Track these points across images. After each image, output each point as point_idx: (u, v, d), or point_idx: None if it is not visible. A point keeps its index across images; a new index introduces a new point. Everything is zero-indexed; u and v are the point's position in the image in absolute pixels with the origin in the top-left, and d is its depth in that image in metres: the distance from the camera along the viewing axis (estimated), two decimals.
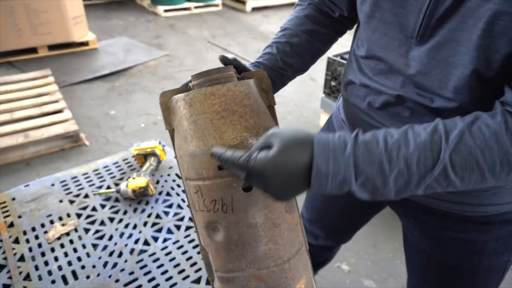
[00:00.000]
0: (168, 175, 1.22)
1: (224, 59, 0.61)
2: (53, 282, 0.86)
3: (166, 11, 5.18)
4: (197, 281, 0.88)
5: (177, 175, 1.22)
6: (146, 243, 0.98)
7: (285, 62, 0.71)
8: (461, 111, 0.51)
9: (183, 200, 1.12)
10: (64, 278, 0.87)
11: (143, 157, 1.22)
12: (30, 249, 0.94)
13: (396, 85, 0.60)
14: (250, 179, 0.47)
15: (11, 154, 2.04)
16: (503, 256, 0.70)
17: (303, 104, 3.08)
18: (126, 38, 4.21)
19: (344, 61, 2.11)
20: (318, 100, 2.97)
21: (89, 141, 2.30)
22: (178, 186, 1.17)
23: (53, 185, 1.16)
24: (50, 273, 0.88)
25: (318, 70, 3.60)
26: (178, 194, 1.14)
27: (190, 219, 1.05)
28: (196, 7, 5.40)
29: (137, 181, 1.09)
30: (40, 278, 0.87)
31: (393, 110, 0.61)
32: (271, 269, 0.55)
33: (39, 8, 3.25)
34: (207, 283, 0.87)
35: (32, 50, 3.45)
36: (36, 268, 0.89)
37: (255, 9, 5.57)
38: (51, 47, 3.52)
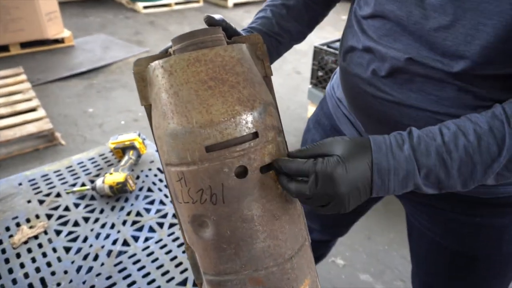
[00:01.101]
0: (149, 169, 1.12)
1: (210, 20, 0.52)
2: None
3: (145, 7, 5.04)
4: (183, 283, 0.79)
5: (159, 169, 1.12)
6: (125, 243, 0.88)
7: (282, 27, 0.63)
8: (487, 81, 0.45)
9: (166, 196, 1.02)
10: (31, 287, 0.77)
11: (121, 151, 1.12)
12: None
13: (407, 47, 0.52)
14: (316, 185, 0.43)
15: None
16: None
17: (289, 97, 3.01)
18: (104, 35, 4.06)
19: (331, 50, 2.05)
20: (304, 93, 2.91)
21: (66, 140, 2.18)
22: (160, 181, 1.08)
23: (20, 184, 1.05)
24: (14, 281, 0.78)
25: (303, 63, 3.55)
26: (160, 190, 1.05)
27: (174, 215, 0.96)
28: (176, 3, 5.28)
29: (114, 177, 0.99)
30: (2, 287, 0.76)
31: (403, 77, 0.54)
32: (271, 270, 0.47)
33: (10, 4, 3.08)
34: (194, 285, 0.79)
35: (4, 48, 3.28)
36: None
37: (237, 5, 5.48)
38: (24, 45, 3.36)
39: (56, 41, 3.58)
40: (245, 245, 0.46)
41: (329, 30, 4.49)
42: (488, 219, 0.61)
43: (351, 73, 0.63)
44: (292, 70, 3.41)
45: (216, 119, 0.43)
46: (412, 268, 0.86)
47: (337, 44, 2.20)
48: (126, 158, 1.08)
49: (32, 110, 2.22)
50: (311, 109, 2.42)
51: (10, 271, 0.80)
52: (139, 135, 1.14)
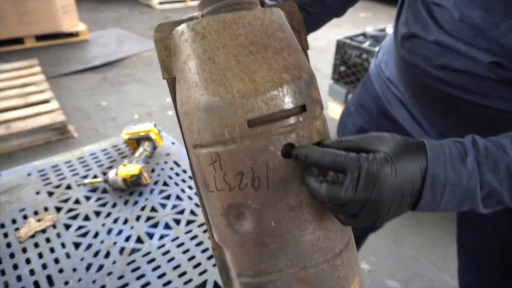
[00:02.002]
0: (165, 162, 1.05)
1: None
2: None
3: (160, 3, 5.01)
4: (202, 286, 0.72)
5: (175, 162, 1.05)
6: (139, 240, 0.81)
7: None
8: None
9: (183, 191, 0.95)
10: (36, 285, 0.70)
11: (136, 142, 1.05)
12: None
13: (490, 49, 0.45)
14: (357, 186, 0.36)
15: None
16: None
17: None
18: (119, 29, 4.03)
19: (355, 43, 1.95)
20: (323, 91, 2.81)
21: (78, 133, 2.13)
22: (177, 175, 1.01)
23: (29, 174, 0.99)
24: (19, 278, 0.71)
25: (321, 59, 3.45)
26: (177, 184, 0.97)
27: (192, 212, 0.89)
28: None
29: (128, 169, 0.92)
30: (6, 284, 0.70)
31: (481, 78, 0.47)
32: (320, 267, 0.41)
33: None
34: (215, 286, 0.71)
35: (19, 41, 3.26)
36: (2, 273, 0.72)
37: None
38: (39, 38, 3.34)
39: (71, 34, 3.56)
40: (292, 237, 0.39)
41: (347, 28, 4.38)
42: None
43: (411, 63, 0.55)
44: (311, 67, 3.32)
45: (261, 87, 0.37)
46: (460, 267, 0.78)
47: (361, 38, 2.10)
48: (140, 149, 1.01)
49: (45, 102, 2.18)
50: (332, 107, 2.32)
51: (15, 267, 0.74)
52: (155, 125, 1.07)
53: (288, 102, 0.38)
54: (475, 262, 0.72)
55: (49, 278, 0.72)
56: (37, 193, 0.92)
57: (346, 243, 0.44)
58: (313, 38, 3.93)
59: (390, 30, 2.36)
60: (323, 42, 3.86)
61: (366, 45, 2.02)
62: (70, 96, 2.59)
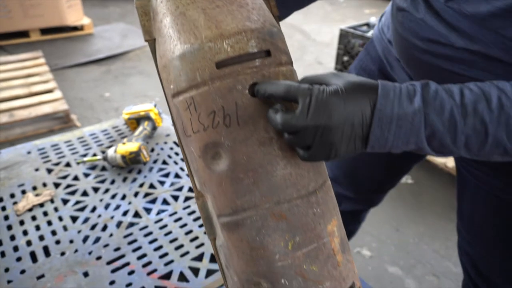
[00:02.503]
0: (165, 143, 1.05)
1: None
2: (18, 259, 0.69)
3: None
4: (199, 258, 0.71)
5: (175, 142, 1.05)
6: (136, 215, 0.81)
7: None
8: None
9: (182, 169, 0.95)
10: (33, 255, 0.70)
11: (136, 121, 1.05)
12: None
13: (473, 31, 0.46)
14: (308, 113, 0.37)
15: None
16: None
17: None
18: (123, 24, 4.04)
19: (359, 33, 1.94)
20: None
21: (81, 122, 2.13)
22: (177, 154, 1.00)
23: (29, 152, 0.99)
24: (16, 249, 0.71)
25: (325, 53, 3.43)
26: (176, 163, 0.97)
27: (191, 189, 0.88)
28: None
29: (127, 146, 0.92)
30: (3, 254, 0.70)
31: (465, 54, 0.48)
32: (294, 202, 0.42)
33: None
34: (211, 261, 0.70)
35: (24, 34, 3.28)
36: None
37: None
38: (44, 31, 3.35)
39: (75, 28, 3.57)
40: (265, 172, 0.41)
41: (351, 24, 4.36)
42: None
43: (402, 35, 0.56)
44: (314, 61, 3.30)
45: (226, 33, 0.40)
46: (459, 239, 0.77)
47: (364, 28, 2.09)
48: (140, 128, 1.01)
49: (49, 91, 2.19)
50: None
51: (12, 238, 0.74)
52: (155, 106, 1.07)
53: (252, 46, 0.41)
54: (472, 230, 0.72)
55: (46, 249, 0.72)
56: (36, 170, 0.93)
57: (320, 184, 0.45)
58: (317, 33, 3.92)
59: None
60: (327, 36, 3.85)
61: (369, 34, 2.00)
62: (73, 87, 2.60)
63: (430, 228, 1.53)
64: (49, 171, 0.93)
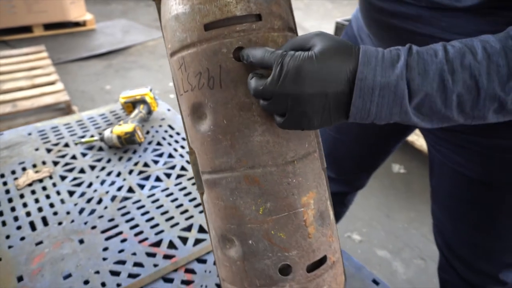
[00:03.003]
0: (160, 126, 1.09)
1: None
2: (18, 228, 0.73)
3: None
4: (188, 229, 0.75)
5: (169, 125, 1.09)
6: (130, 190, 0.85)
7: None
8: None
9: (175, 150, 0.99)
10: (32, 224, 0.75)
11: (132, 105, 1.10)
12: None
13: None
14: (278, 80, 0.37)
15: None
16: None
17: None
18: (125, 20, 4.09)
19: None
20: None
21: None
22: (171, 136, 1.05)
23: (30, 134, 1.03)
24: (16, 219, 0.76)
25: None
26: (170, 144, 1.01)
27: (183, 167, 0.92)
28: None
29: (123, 127, 0.96)
30: (4, 224, 0.74)
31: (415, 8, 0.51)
32: (269, 169, 0.43)
33: None
34: (199, 231, 0.75)
35: (27, 29, 3.34)
36: (0, 214, 0.77)
37: None
38: (47, 27, 3.41)
39: (78, 24, 3.62)
40: (241, 136, 0.42)
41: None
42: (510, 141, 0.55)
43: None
44: None
45: None
46: (434, 221, 0.80)
47: None
48: (136, 111, 1.05)
49: (51, 83, 2.24)
50: None
51: (13, 209, 0.78)
52: (150, 90, 1.11)
53: (241, 9, 0.41)
54: (441, 208, 0.75)
55: (44, 219, 0.76)
56: (36, 149, 0.97)
57: (302, 155, 0.44)
58: (317, 30, 3.95)
59: None
60: (328, 26, 3.88)
61: None
62: (75, 80, 2.65)
63: (420, 214, 1.56)
64: (49, 150, 0.97)
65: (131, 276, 0.65)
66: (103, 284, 0.63)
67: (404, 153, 1.86)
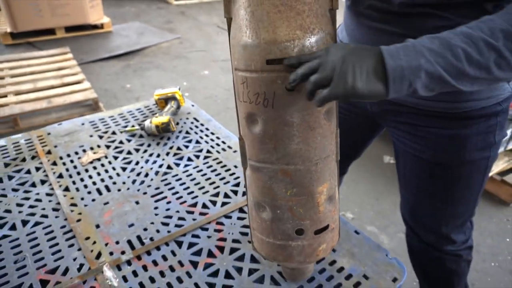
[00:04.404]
0: (187, 118, 1.33)
1: None
2: (89, 193, 0.97)
3: None
4: (216, 195, 0.98)
5: (195, 118, 1.32)
6: (169, 167, 1.08)
7: None
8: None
9: (201, 137, 1.22)
10: (98, 190, 0.98)
11: (164, 101, 1.33)
12: (67, 170, 1.05)
13: None
14: (327, 54, 0.49)
15: (35, 119, 2.17)
16: (484, 152, 0.78)
17: None
18: (139, 23, 4.33)
19: None
20: None
21: (107, 109, 2.43)
22: (196, 127, 1.28)
23: (83, 124, 1.27)
24: (86, 186, 0.99)
25: None
26: (196, 133, 1.25)
27: (208, 151, 1.16)
28: None
29: (160, 118, 1.20)
30: (77, 189, 0.98)
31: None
32: (298, 167, 0.58)
33: None
34: (225, 196, 0.98)
35: (50, 32, 3.59)
36: (74, 183, 1.00)
37: None
38: (68, 29, 3.66)
39: (96, 26, 3.87)
40: (282, 144, 0.57)
41: None
42: (456, 130, 0.75)
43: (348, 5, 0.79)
44: None
45: (279, 39, 0.51)
46: (401, 200, 1.00)
47: None
48: (168, 106, 1.29)
49: (79, 82, 2.48)
50: None
51: (82, 180, 1.02)
52: (179, 89, 1.35)
53: (296, 52, 0.52)
54: (406, 186, 0.94)
55: (107, 187, 1.00)
56: (91, 136, 1.21)
57: (323, 158, 0.59)
58: None
59: None
60: None
61: None
62: (98, 79, 2.90)
63: None
64: (100, 137, 1.21)
65: (177, 226, 0.88)
66: (157, 230, 0.86)
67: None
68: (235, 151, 1.16)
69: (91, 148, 1.15)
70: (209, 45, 3.79)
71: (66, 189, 0.98)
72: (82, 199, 0.95)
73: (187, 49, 3.64)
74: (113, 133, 1.24)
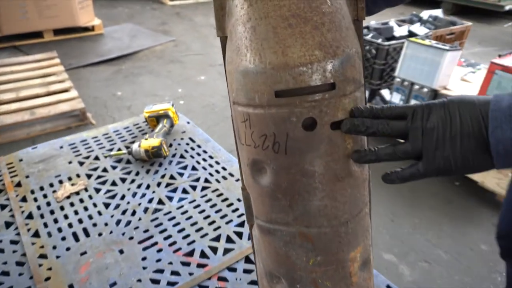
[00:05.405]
0: (182, 139, 1.16)
1: None
2: (63, 239, 0.80)
3: None
4: (217, 239, 0.82)
5: (190, 138, 1.16)
6: (160, 202, 0.92)
7: None
8: None
9: (198, 162, 1.06)
10: (75, 235, 0.82)
11: (155, 119, 1.16)
12: (39, 207, 0.88)
13: None
14: (417, 123, 0.40)
15: (17, 131, 2.00)
16: None
17: None
18: (132, 24, 4.15)
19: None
20: None
21: (96, 120, 2.26)
22: (192, 149, 1.12)
23: (61, 147, 1.11)
24: (60, 230, 0.83)
25: None
26: (192, 157, 1.08)
27: (206, 180, 0.99)
28: None
29: (150, 141, 1.03)
30: (49, 235, 0.81)
31: None
32: (323, 230, 0.44)
33: None
34: (227, 241, 0.82)
35: (38, 35, 3.41)
36: (45, 225, 0.84)
37: None
38: (57, 32, 3.48)
39: (86, 29, 3.69)
40: (301, 200, 0.43)
41: None
42: None
43: None
44: None
45: (292, 62, 0.38)
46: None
47: (365, 31, 2.18)
48: (160, 125, 1.12)
49: (65, 91, 2.31)
50: None
51: (56, 221, 0.85)
52: (172, 105, 1.18)
53: (315, 79, 0.38)
54: None
55: (85, 230, 0.83)
56: (70, 162, 1.04)
57: (355, 215, 0.45)
58: None
59: (393, 23, 2.43)
60: None
61: (369, 37, 2.09)
62: (87, 86, 2.72)
63: (424, 219, 1.64)
64: (81, 163, 1.04)
65: (170, 284, 0.72)
66: None
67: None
68: (237, 180, 0.99)
69: (69, 179, 0.98)
70: (206, 48, 3.62)
71: (36, 234, 0.81)
72: (54, 247, 0.78)
73: (183, 53, 3.47)
74: (96, 158, 1.07)
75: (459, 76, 2.06)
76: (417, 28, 2.29)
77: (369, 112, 0.42)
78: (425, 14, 2.59)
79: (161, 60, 3.27)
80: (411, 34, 2.27)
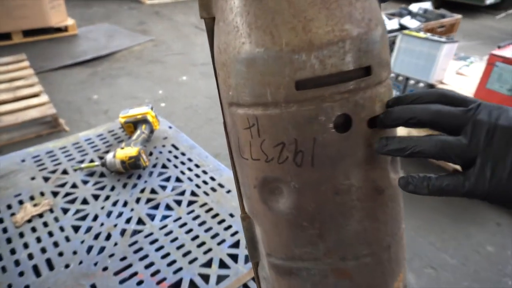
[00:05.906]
0: (163, 146, 1.03)
1: None
2: (21, 274, 0.67)
3: None
4: (208, 264, 0.70)
5: (173, 145, 1.03)
6: (140, 222, 0.79)
7: None
8: None
9: (183, 173, 0.93)
10: (35, 269, 0.68)
11: (133, 125, 1.03)
12: None
13: None
14: (490, 106, 0.29)
15: None
16: None
17: None
18: (108, 24, 3.97)
19: None
20: None
21: (70, 126, 2.09)
22: (176, 157, 0.99)
23: (23, 161, 0.96)
24: (17, 263, 0.69)
25: None
26: (176, 166, 0.95)
27: (193, 193, 0.87)
28: None
29: (126, 151, 0.90)
30: (4, 270, 0.67)
31: None
32: (363, 261, 0.35)
33: None
34: (220, 266, 0.69)
35: (6, 37, 3.19)
36: (0, 258, 0.70)
37: None
38: (26, 33, 3.27)
39: (59, 29, 3.49)
40: (334, 225, 0.34)
41: None
42: None
43: None
44: None
45: (317, 40, 0.28)
46: None
47: None
48: (138, 132, 0.99)
49: (35, 95, 2.14)
50: None
51: (13, 251, 0.71)
52: (151, 108, 1.05)
53: (349, 62, 0.29)
54: None
55: (49, 262, 0.69)
56: (33, 178, 0.90)
57: (395, 234, 0.37)
58: None
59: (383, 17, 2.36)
60: None
61: None
62: (60, 90, 2.54)
63: (426, 221, 1.56)
64: (46, 179, 0.90)
65: None
66: None
67: (410, 164, 1.85)
68: (228, 191, 0.87)
69: (32, 198, 0.84)
70: (187, 47, 3.48)
71: None
72: (10, 286, 0.65)
73: (163, 53, 3.31)
74: (64, 172, 0.93)
75: (454, 70, 1.99)
76: (408, 21, 2.22)
77: (410, 99, 0.32)
78: (415, 7, 2.53)
79: (140, 61, 3.11)
80: (402, 27, 2.20)
